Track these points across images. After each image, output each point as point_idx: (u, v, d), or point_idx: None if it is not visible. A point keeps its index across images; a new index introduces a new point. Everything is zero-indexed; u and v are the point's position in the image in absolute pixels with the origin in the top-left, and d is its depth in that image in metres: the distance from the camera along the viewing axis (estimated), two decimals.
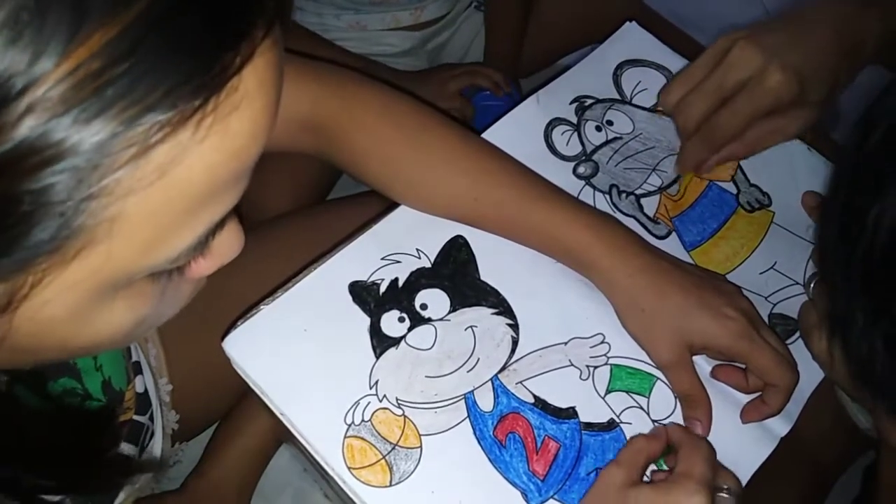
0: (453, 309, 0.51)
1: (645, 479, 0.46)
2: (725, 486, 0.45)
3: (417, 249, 0.53)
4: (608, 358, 0.51)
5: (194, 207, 0.25)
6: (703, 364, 0.52)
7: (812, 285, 0.54)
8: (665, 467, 0.48)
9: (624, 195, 0.58)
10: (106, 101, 0.21)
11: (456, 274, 0.53)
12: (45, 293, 0.24)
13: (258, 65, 0.25)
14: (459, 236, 0.54)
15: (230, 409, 0.75)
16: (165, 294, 0.30)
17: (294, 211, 0.81)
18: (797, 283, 0.57)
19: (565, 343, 0.51)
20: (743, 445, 0.49)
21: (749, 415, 0.50)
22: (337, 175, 1.01)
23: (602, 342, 0.52)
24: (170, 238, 0.25)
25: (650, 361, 0.51)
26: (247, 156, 0.26)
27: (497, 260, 0.53)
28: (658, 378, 0.51)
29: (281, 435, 0.76)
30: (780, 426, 0.50)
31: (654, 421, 0.50)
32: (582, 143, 0.60)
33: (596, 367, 0.51)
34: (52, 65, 0.20)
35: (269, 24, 0.25)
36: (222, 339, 0.49)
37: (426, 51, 1.02)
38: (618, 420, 0.49)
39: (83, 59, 0.20)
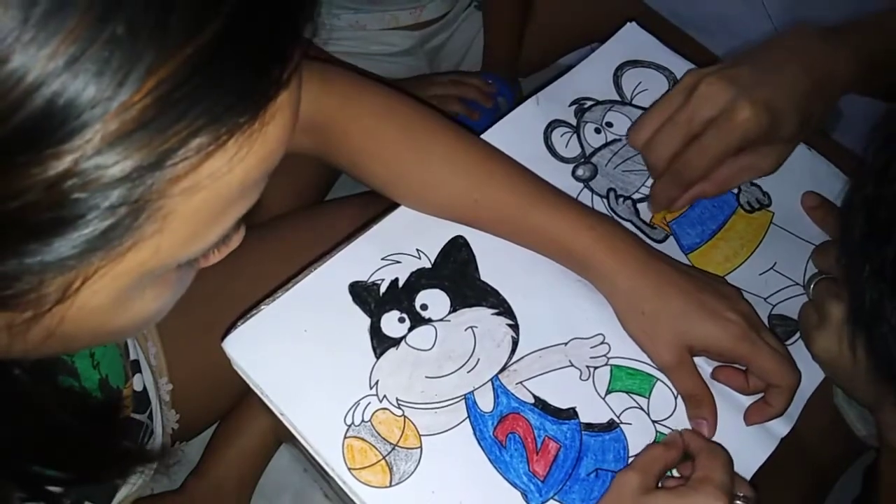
0: (453, 309, 0.51)
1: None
2: (742, 494, 0.45)
3: (418, 250, 0.53)
4: (608, 358, 0.51)
5: (229, 206, 0.28)
6: (704, 365, 0.52)
7: (812, 286, 0.54)
8: (676, 474, 0.48)
9: (621, 199, 0.58)
10: (167, 121, 0.23)
11: (456, 274, 0.53)
12: (95, 285, 0.26)
13: (292, 79, 0.27)
14: (460, 236, 0.54)
15: (230, 409, 0.75)
16: (181, 280, 0.32)
17: (294, 211, 0.81)
18: (797, 284, 0.57)
19: (565, 343, 0.51)
20: (743, 446, 0.49)
21: (753, 417, 0.50)
22: (336, 176, 1.01)
23: (602, 343, 0.52)
24: (206, 233, 0.28)
25: (650, 362, 0.51)
26: (277, 158, 0.29)
27: (497, 260, 0.53)
28: (658, 379, 0.51)
29: (281, 435, 0.76)
30: (780, 427, 0.50)
31: (654, 421, 0.50)
32: (581, 145, 0.60)
33: (596, 368, 0.51)
34: (131, 93, 0.22)
35: (303, 42, 0.27)
36: (222, 339, 0.49)
37: (425, 50, 1.02)
38: (618, 421, 0.49)
39: (154, 86, 0.22)
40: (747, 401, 0.51)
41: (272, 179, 0.79)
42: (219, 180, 0.25)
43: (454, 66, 1.07)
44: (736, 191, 0.60)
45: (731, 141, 0.53)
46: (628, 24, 0.66)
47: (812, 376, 0.52)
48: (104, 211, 0.23)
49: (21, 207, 0.22)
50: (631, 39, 0.65)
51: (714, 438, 0.49)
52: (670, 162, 0.55)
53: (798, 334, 0.54)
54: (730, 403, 0.51)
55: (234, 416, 0.75)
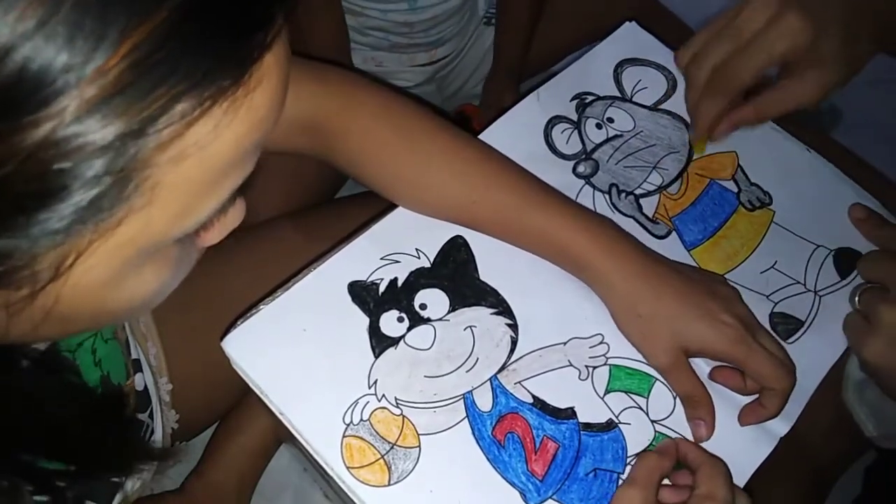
0: (452, 309, 0.51)
1: None
2: None
3: (417, 249, 0.53)
4: (607, 358, 0.51)
5: (221, 176, 0.27)
6: (702, 365, 0.51)
7: (858, 296, 0.55)
8: (667, 482, 0.47)
9: (623, 195, 0.58)
10: (146, 87, 0.22)
11: (455, 274, 0.52)
12: (88, 261, 0.26)
13: (276, 42, 0.26)
14: (459, 236, 0.54)
15: (230, 409, 0.75)
16: (182, 260, 0.32)
17: (294, 212, 0.81)
18: (798, 283, 0.56)
19: (564, 343, 0.51)
20: (742, 445, 0.49)
21: (747, 417, 0.50)
22: (337, 180, 1.01)
23: (601, 342, 0.51)
24: (199, 205, 0.27)
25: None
26: (267, 126, 0.28)
27: (496, 260, 0.53)
28: (657, 378, 0.51)
29: (281, 435, 0.76)
30: (779, 426, 0.50)
31: (653, 421, 0.49)
32: (582, 141, 0.60)
33: (595, 368, 0.51)
34: (105, 57, 0.22)
35: (287, 4, 0.26)
36: (222, 338, 0.49)
37: (437, 79, 1.03)
38: (616, 420, 0.49)
39: (129, 50, 0.22)
40: (746, 401, 0.51)
41: (270, 181, 0.80)
42: (206, 149, 0.25)
43: (463, 84, 1.07)
44: (736, 189, 0.60)
45: (775, 48, 0.52)
46: (627, 23, 0.66)
47: (813, 376, 0.52)
48: (89, 181, 0.23)
49: (2, 179, 0.22)
50: (630, 38, 0.65)
51: (714, 438, 0.49)
52: (712, 73, 0.55)
53: (798, 333, 0.54)
54: (728, 403, 0.50)
55: (234, 416, 0.76)
